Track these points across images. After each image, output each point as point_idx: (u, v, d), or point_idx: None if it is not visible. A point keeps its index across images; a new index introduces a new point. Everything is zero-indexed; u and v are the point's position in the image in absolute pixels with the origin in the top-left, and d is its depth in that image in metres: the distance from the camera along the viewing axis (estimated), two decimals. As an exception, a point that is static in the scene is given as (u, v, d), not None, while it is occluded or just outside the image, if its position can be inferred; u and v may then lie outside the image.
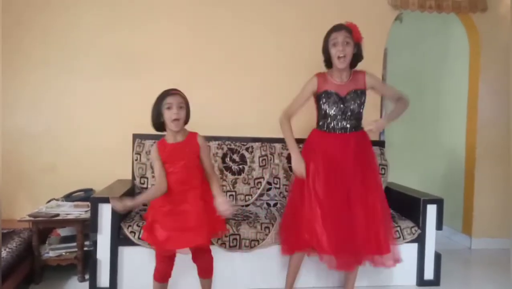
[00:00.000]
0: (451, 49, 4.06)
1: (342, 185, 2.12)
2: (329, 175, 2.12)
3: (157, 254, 1.99)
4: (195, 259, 2.04)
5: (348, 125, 2.18)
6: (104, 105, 3.01)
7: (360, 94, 2.19)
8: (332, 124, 2.19)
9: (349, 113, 2.17)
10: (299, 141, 2.28)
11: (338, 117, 2.17)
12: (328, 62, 2.22)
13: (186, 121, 1.93)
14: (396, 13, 3.37)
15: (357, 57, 2.17)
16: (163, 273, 2.00)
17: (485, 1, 3.43)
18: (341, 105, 2.16)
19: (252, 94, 3.16)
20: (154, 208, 1.94)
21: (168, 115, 1.83)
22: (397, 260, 2.21)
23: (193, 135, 1.95)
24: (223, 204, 1.86)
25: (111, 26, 3.00)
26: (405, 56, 4.53)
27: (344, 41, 2.09)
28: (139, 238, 2.30)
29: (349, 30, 2.10)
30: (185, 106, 1.90)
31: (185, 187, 1.88)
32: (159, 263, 2.00)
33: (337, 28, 2.13)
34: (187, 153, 1.90)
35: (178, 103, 1.85)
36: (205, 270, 2.07)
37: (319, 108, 2.25)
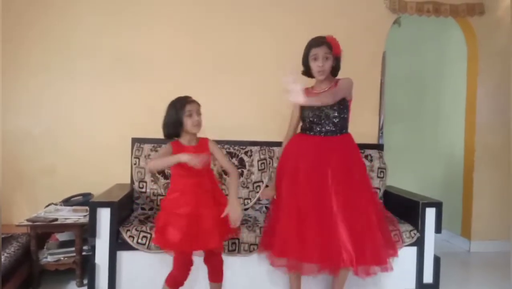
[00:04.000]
0: (449, 53, 4.08)
1: (321, 190, 2.12)
2: (307, 180, 2.15)
3: (175, 259, 2.00)
4: (206, 260, 2.10)
5: (323, 129, 2.24)
6: (103, 108, 3.02)
7: (338, 101, 2.20)
8: (309, 128, 2.28)
9: (324, 119, 2.23)
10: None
11: (315, 121, 2.25)
12: (307, 74, 2.30)
13: None
14: (394, 17, 3.38)
15: (335, 68, 2.26)
16: (177, 280, 1.99)
17: (482, 5, 3.45)
18: (316, 111, 2.23)
19: (251, 98, 3.16)
20: (166, 211, 1.97)
21: (190, 122, 1.96)
22: (385, 269, 2.20)
23: (204, 140, 2.06)
24: (234, 212, 1.92)
25: (110, 29, 3.01)
26: (404, 60, 4.54)
27: (324, 57, 2.17)
28: (137, 242, 2.30)
29: (330, 45, 2.18)
30: (200, 112, 2.02)
31: (198, 190, 1.95)
32: (176, 269, 1.99)
33: (318, 43, 2.19)
34: (201, 157, 1.95)
35: (197, 109, 1.99)
36: (216, 273, 2.11)
37: (300, 117, 2.36)
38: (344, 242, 2.03)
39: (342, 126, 2.27)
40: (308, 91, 2.27)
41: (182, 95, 2.03)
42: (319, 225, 2.07)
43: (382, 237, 2.17)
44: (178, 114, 1.96)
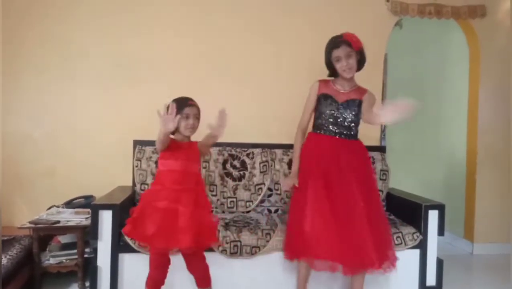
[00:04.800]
0: (451, 55, 4.08)
1: (340, 192, 2.13)
2: (327, 181, 2.14)
3: (151, 260, 2.00)
4: (189, 268, 2.07)
5: (337, 131, 2.23)
6: (104, 110, 3.02)
7: (357, 104, 2.26)
8: (325, 126, 2.25)
9: (340, 119, 2.23)
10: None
11: (331, 120, 2.24)
12: (333, 74, 2.29)
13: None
14: (396, 19, 3.38)
15: (361, 62, 2.25)
16: (156, 280, 2.00)
17: (484, 7, 3.45)
18: (335, 110, 2.23)
19: (253, 100, 3.16)
20: (145, 202, 1.95)
21: (185, 124, 1.96)
22: (390, 267, 2.22)
23: (194, 143, 2.05)
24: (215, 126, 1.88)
25: (111, 31, 3.02)
26: (406, 62, 4.54)
27: (346, 56, 2.16)
28: (139, 245, 2.29)
29: (348, 43, 2.15)
30: (199, 116, 2.02)
31: (180, 187, 1.93)
32: (152, 270, 2.00)
33: (337, 44, 2.17)
34: (188, 154, 1.99)
35: (194, 114, 1.98)
36: (202, 279, 2.08)
37: (316, 110, 2.32)
38: (370, 244, 2.06)
39: (355, 131, 2.28)
40: (328, 85, 2.28)
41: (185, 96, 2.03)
42: (350, 227, 2.08)
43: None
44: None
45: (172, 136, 2.01)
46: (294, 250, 2.25)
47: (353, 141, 2.27)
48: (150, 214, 1.89)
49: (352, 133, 2.27)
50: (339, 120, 2.23)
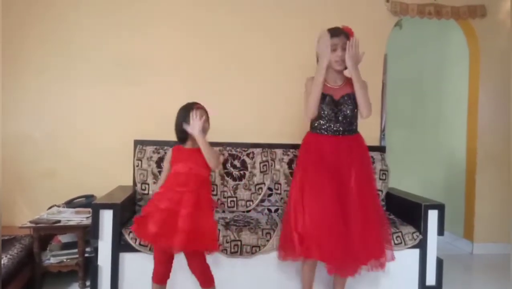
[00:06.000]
0: (451, 55, 4.08)
1: (337, 188, 2.12)
2: (324, 179, 2.13)
3: (155, 255, 2.05)
4: (190, 266, 2.07)
5: (340, 128, 2.20)
6: (104, 110, 3.02)
7: (353, 98, 2.21)
8: (325, 126, 2.22)
9: (341, 117, 2.20)
10: (295, 146, 2.30)
11: (331, 119, 2.20)
12: None
13: None
14: (395, 19, 3.39)
15: None
16: (161, 274, 2.04)
17: (484, 7, 3.46)
18: (334, 108, 2.20)
19: (253, 100, 3.17)
20: (151, 203, 2.02)
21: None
22: (382, 265, 2.21)
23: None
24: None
25: (111, 32, 3.02)
26: (405, 62, 4.55)
27: (343, 47, 2.14)
28: (140, 244, 2.30)
29: (347, 35, 2.16)
30: (207, 118, 2.10)
31: (182, 189, 1.98)
32: (157, 264, 2.04)
33: (337, 33, 2.16)
34: (196, 158, 2.03)
35: (201, 116, 2.03)
36: (203, 279, 2.09)
37: None
38: (359, 241, 2.07)
39: (355, 125, 2.26)
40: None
41: (191, 101, 2.10)
42: (344, 225, 2.08)
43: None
44: (182, 121, 2.04)
45: (182, 143, 2.10)
46: (287, 249, 2.25)
47: (354, 136, 2.24)
48: (153, 214, 1.94)
49: (353, 127, 2.25)
50: (339, 117, 2.20)
